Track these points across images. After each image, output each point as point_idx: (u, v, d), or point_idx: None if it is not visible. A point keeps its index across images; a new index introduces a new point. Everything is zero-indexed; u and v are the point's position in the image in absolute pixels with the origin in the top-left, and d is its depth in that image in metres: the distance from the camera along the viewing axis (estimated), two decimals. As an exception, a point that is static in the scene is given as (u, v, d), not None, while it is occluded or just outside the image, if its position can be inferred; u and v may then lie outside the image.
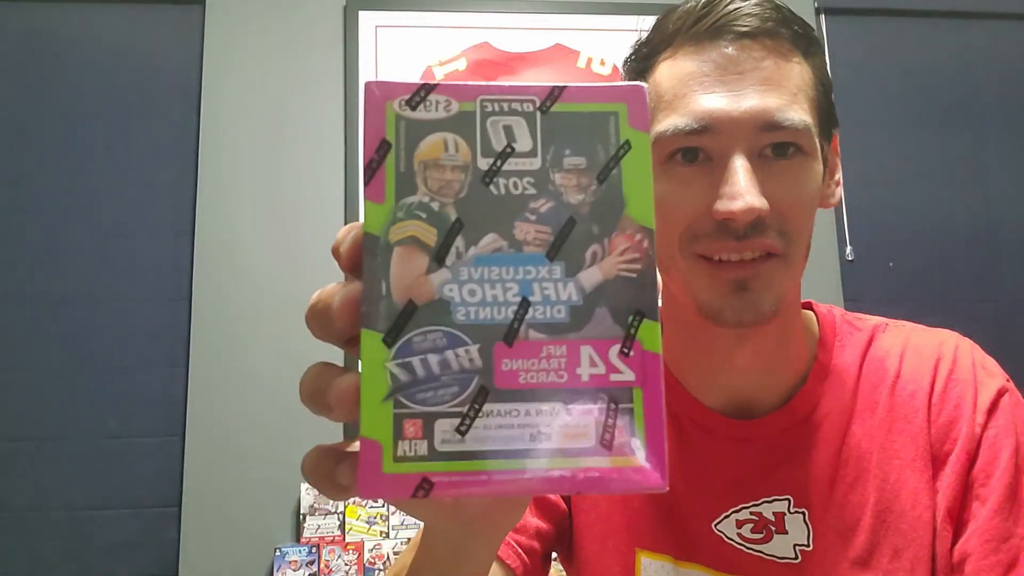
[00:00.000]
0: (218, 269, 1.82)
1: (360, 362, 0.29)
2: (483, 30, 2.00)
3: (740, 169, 0.54)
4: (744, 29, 0.56)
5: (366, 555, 1.66)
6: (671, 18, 0.60)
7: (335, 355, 1.83)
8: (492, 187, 0.30)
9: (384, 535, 1.69)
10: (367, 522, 1.70)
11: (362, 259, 0.29)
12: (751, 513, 0.61)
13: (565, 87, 0.31)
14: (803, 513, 0.60)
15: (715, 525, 0.62)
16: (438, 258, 0.29)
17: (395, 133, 0.30)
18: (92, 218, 1.83)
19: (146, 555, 1.70)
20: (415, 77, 1.94)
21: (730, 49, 0.56)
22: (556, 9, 2.04)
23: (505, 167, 0.30)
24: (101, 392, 1.75)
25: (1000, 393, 0.60)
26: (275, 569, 1.64)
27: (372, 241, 0.29)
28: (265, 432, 1.76)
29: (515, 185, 0.30)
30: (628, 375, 0.29)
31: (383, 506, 1.71)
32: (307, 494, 1.71)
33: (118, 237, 1.83)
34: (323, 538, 1.68)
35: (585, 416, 0.28)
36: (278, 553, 1.64)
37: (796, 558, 0.60)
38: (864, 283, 1.99)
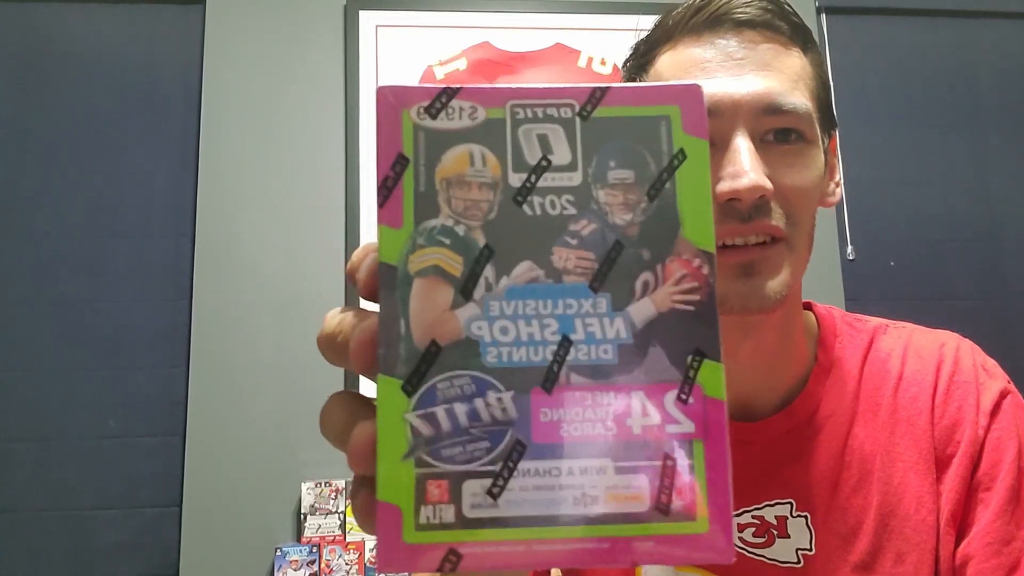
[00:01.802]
0: (219, 269, 1.82)
1: (376, 413, 0.25)
2: (483, 30, 2.00)
3: (743, 148, 0.54)
4: (743, 18, 0.57)
5: (367, 555, 1.66)
6: (670, 14, 0.61)
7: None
8: (526, 207, 0.26)
9: (384, 535, 1.69)
10: (368, 522, 1.70)
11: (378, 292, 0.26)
12: (753, 517, 0.61)
13: (608, 88, 0.27)
14: (806, 517, 0.60)
15: None
16: (464, 291, 0.25)
17: (413, 146, 0.26)
18: (92, 218, 1.82)
19: (146, 555, 1.70)
20: (415, 77, 1.94)
21: (730, 37, 0.57)
22: (556, 9, 2.03)
23: (540, 183, 0.26)
24: (101, 392, 1.75)
25: (1002, 395, 0.60)
26: (276, 569, 1.64)
27: (389, 272, 0.25)
28: (265, 432, 1.75)
29: (552, 204, 0.26)
30: (687, 426, 0.25)
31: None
32: (308, 493, 1.71)
33: (118, 237, 1.82)
34: (324, 538, 1.68)
35: (638, 475, 0.25)
36: (279, 553, 1.64)
37: (798, 562, 0.59)
38: (864, 283, 1.99)
